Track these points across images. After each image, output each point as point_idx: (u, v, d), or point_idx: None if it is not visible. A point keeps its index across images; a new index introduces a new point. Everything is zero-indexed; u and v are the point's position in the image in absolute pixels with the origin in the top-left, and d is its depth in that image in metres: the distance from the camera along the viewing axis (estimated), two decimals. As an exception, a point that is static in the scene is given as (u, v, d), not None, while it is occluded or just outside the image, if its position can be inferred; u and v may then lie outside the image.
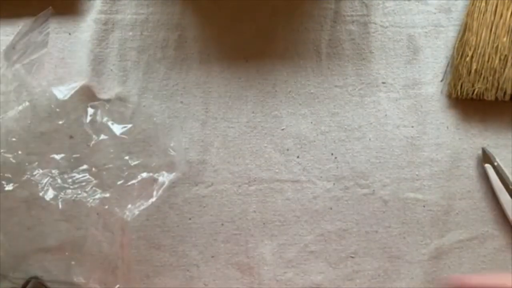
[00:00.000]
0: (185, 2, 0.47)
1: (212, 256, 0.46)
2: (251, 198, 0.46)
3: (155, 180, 0.44)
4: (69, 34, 0.47)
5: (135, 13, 0.47)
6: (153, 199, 0.43)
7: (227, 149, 0.46)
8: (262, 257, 0.46)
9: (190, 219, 0.46)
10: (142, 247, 0.46)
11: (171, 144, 0.45)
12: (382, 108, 0.47)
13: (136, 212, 0.43)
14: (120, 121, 0.45)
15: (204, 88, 0.47)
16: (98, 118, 0.44)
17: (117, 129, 0.45)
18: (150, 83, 0.46)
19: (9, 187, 0.42)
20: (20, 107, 0.43)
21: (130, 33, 0.47)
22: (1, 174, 0.42)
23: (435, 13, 0.47)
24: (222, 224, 0.46)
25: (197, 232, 0.46)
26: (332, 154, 0.46)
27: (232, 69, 0.47)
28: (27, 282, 0.44)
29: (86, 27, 0.47)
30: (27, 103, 0.43)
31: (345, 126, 0.47)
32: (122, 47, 0.47)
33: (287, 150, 0.46)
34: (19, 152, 0.43)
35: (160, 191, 0.44)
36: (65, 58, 0.46)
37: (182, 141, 0.46)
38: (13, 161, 0.42)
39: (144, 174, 0.44)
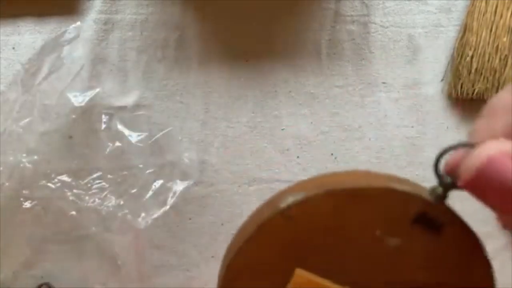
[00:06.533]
0: (185, 2, 0.47)
1: (212, 256, 0.46)
2: (251, 198, 0.46)
3: (168, 189, 0.44)
4: (69, 33, 0.47)
5: (135, 13, 0.47)
6: (166, 208, 0.43)
7: (227, 149, 0.46)
8: (262, 257, 0.46)
9: (190, 219, 0.46)
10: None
11: (185, 154, 0.45)
12: (382, 108, 0.47)
13: (149, 221, 0.43)
14: (135, 129, 0.45)
15: (204, 88, 0.47)
16: (114, 125, 0.44)
17: (133, 137, 0.44)
18: (150, 83, 0.46)
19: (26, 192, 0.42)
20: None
21: (130, 33, 0.47)
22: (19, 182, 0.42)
23: (435, 13, 0.47)
24: (222, 224, 0.46)
25: (197, 232, 0.46)
26: (332, 154, 0.46)
27: (232, 69, 0.47)
28: None
29: (86, 27, 0.47)
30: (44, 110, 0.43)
31: (345, 126, 0.47)
32: (122, 47, 0.47)
33: (287, 150, 0.46)
34: (35, 157, 0.43)
35: (173, 199, 0.43)
36: (65, 58, 0.46)
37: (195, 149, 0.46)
38: (29, 166, 0.42)
39: (158, 183, 0.44)
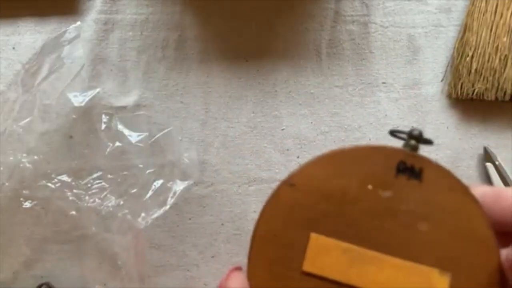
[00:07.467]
0: (185, 2, 0.47)
1: (212, 256, 0.46)
2: (251, 198, 0.46)
3: (168, 189, 0.44)
4: (69, 33, 0.47)
5: (135, 13, 0.47)
6: (166, 208, 0.43)
7: (227, 149, 0.46)
8: (262, 257, 0.46)
9: (190, 219, 0.46)
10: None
11: (185, 154, 0.45)
12: (382, 108, 0.47)
13: (149, 221, 0.43)
14: (135, 129, 0.45)
15: (204, 88, 0.47)
16: (114, 125, 0.44)
17: (133, 137, 0.44)
18: (150, 83, 0.46)
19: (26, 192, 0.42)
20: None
21: (130, 33, 0.47)
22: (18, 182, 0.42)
23: (435, 13, 0.47)
24: (222, 224, 0.46)
25: (197, 232, 0.46)
26: (332, 154, 0.46)
27: (232, 69, 0.47)
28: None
29: (86, 27, 0.47)
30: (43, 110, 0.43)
31: (345, 126, 0.47)
32: (122, 47, 0.47)
33: (287, 150, 0.46)
34: (35, 157, 0.43)
35: (173, 199, 0.43)
36: (65, 58, 0.46)
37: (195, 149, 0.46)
38: (29, 166, 0.42)
39: (158, 182, 0.44)
